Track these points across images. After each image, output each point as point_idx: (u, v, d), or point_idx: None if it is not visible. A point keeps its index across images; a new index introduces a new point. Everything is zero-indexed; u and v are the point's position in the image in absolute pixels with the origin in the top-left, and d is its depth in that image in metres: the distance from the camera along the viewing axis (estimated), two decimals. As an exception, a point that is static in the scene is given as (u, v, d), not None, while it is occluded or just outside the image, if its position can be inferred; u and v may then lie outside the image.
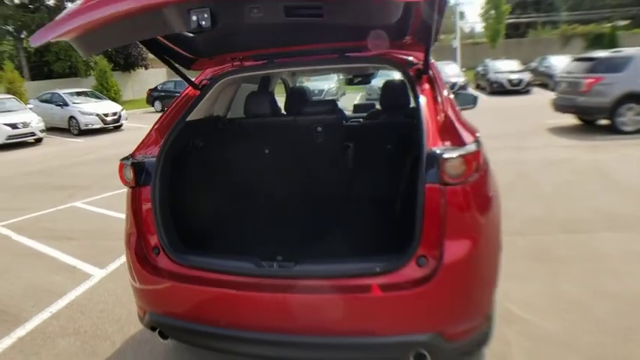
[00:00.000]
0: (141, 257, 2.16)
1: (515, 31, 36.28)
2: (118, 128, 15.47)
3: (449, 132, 1.90)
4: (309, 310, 1.88)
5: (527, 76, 18.50)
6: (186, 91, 2.61)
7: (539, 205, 4.83)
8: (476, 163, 1.84)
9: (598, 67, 9.13)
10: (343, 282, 1.87)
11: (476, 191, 1.85)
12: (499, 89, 18.37)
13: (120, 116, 15.22)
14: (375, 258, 1.90)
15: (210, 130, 2.68)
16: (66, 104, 15.27)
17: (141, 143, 2.38)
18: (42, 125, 13.57)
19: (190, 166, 2.43)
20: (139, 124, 15.10)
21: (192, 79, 2.67)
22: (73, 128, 14.92)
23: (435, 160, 1.79)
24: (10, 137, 12.71)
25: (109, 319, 3.08)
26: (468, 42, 34.27)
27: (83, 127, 14.64)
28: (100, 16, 1.55)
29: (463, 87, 18.21)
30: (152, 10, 1.58)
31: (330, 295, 1.84)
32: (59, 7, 24.28)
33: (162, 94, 20.51)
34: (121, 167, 2.23)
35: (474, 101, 3.76)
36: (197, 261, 2.07)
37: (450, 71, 19.85)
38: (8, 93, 17.33)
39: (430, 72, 2.22)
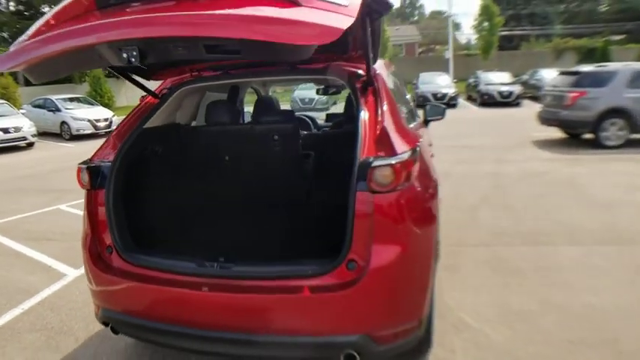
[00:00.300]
0: (95, 256, 2.29)
1: (509, 44, 36.69)
2: (109, 134, 15.41)
3: (384, 142, 2.00)
4: (247, 309, 1.99)
5: (517, 89, 18.73)
6: (146, 99, 2.76)
7: (508, 217, 4.96)
8: (406, 172, 1.94)
9: (582, 81, 9.25)
10: (277, 283, 1.98)
11: (406, 199, 1.94)
12: (489, 101, 18.64)
13: (111, 122, 15.28)
14: (312, 261, 2.01)
15: (169, 136, 2.81)
16: (58, 110, 15.47)
17: (99, 148, 2.52)
18: (34, 130, 13.72)
19: (147, 171, 2.56)
20: None
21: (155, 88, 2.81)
22: (64, 133, 15.10)
23: (365, 168, 1.90)
24: (1, 141, 12.86)
25: (76, 317, 3.20)
26: (461, 53, 34.60)
27: (75, 133, 14.80)
28: (42, 53, 1.75)
29: (453, 98, 18.51)
30: (86, 49, 1.77)
31: (266, 295, 1.97)
32: None
33: None
34: (79, 171, 2.38)
35: (442, 113, 4.02)
36: (146, 260, 2.18)
37: (442, 82, 20.15)
38: (2, 98, 17.33)
39: (375, 84, 2.32)
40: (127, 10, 1.81)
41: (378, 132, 2.03)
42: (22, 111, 15.69)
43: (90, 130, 14.87)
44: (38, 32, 1.82)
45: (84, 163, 2.41)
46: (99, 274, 2.25)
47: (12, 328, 3.14)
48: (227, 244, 2.33)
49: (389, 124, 2.09)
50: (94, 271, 2.26)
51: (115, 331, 2.29)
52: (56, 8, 1.93)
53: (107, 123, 15.27)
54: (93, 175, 2.32)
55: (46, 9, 27.25)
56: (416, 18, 67.07)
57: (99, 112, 15.73)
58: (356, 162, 1.94)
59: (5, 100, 16.53)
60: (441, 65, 25.14)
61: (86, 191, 2.39)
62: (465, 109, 18.57)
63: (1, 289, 3.77)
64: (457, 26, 30.85)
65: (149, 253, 2.26)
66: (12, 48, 1.82)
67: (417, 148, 2.08)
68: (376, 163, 1.90)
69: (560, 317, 2.94)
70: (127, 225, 2.30)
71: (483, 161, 7.84)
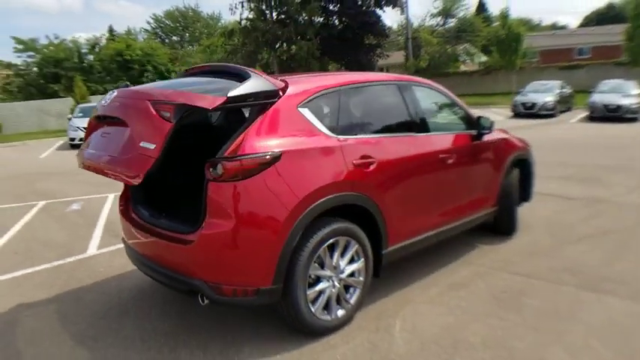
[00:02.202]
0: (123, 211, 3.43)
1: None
2: None
3: (235, 148, 2.58)
4: (155, 246, 2.95)
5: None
6: None
7: None
8: (241, 169, 2.54)
9: None
10: (166, 232, 2.87)
11: (239, 190, 2.56)
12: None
13: None
14: (186, 224, 2.78)
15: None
16: None
17: None
18: None
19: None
20: None
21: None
22: None
23: (211, 161, 2.57)
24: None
25: None
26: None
27: None
28: None
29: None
30: None
31: (162, 239, 2.86)
32: (311, 22, 26.26)
33: None
34: None
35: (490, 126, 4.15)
36: (138, 212, 3.28)
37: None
38: None
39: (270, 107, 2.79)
40: None
41: (239, 140, 2.59)
42: None
43: None
44: None
45: None
46: (124, 220, 3.38)
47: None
48: (167, 207, 3.32)
49: (251, 136, 2.62)
50: (122, 219, 3.41)
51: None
52: None
53: None
54: None
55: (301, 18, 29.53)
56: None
57: None
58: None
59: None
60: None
61: None
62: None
63: None
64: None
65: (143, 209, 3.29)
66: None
67: (268, 158, 2.59)
68: (215, 160, 2.56)
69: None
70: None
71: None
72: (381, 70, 38.64)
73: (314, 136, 2.87)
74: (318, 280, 2.89)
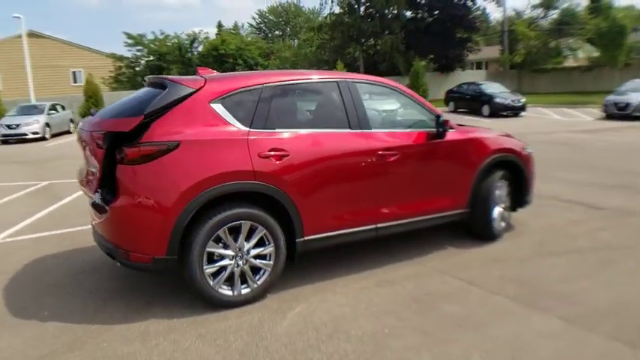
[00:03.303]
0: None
1: None
2: None
3: (145, 135, 2.96)
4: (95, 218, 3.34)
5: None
6: None
7: None
8: (139, 155, 2.91)
9: None
10: (99, 205, 3.14)
11: (139, 171, 2.95)
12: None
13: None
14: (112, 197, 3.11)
15: None
16: None
17: None
18: None
19: None
20: None
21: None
22: None
23: (120, 147, 2.97)
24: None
25: None
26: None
27: None
28: None
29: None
30: None
31: (95, 210, 3.20)
32: (397, 16, 27.76)
33: (457, 95, 21.43)
34: None
35: None
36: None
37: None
38: None
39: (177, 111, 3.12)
40: None
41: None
42: None
43: None
44: None
45: None
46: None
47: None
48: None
49: (157, 126, 2.98)
50: None
51: None
52: None
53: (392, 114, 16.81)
54: None
55: (388, 11, 30.87)
56: None
57: (389, 104, 17.09)
58: None
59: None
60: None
61: None
62: None
63: None
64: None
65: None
66: None
67: (165, 146, 2.93)
68: (122, 145, 2.95)
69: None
70: None
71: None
72: (479, 64, 36.75)
73: (221, 128, 3.12)
74: (222, 257, 3.13)
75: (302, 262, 3.79)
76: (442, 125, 3.91)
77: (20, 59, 22.84)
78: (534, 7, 30.54)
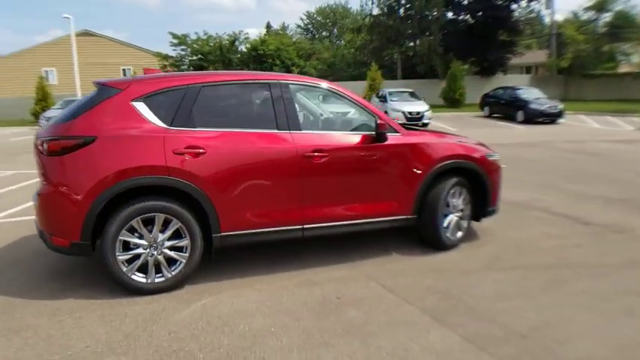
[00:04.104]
0: None
1: None
2: (415, 125, 16.66)
3: (66, 129, 3.24)
4: None
5: None
6: None
7: None
8: (59, 147, 3.16)
9: None
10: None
11: (57, 162, 3.19)
12: None
13: (423, 116, 16.88)
14: None
15: None
16: (385, 100, 18.16)
17: None
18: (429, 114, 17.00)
19: None
20: (443, 125, 16.91)
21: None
22: None
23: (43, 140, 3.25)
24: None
25: None
26: None
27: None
28: None
29: None
30: None
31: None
32: (436, 18, 27.92)
33: (492, 100, 20.72)
34: None
35: None
36: None
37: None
38: (370, 89, 22.46)
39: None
40: None
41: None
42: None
43: (401, 121, 16.42)
44: None
45: None
46: None
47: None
48: None
49: (78, 121, 3.24)
50: None
51: None
52: None
53: (418, 116, 16.86)
54: None
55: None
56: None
57: (416, 106, 17.41)
58: None
59: (372, 90, 21.64)
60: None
61: None
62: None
63: None
64: None
65: None
66: None
67: (82, 140, 3.13)
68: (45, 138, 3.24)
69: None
70: None
71: None
72: (528, 69, 35.27)
73: (139, 125, 3.27)
74: (137, 246, 3.28)
75: (240, 256, 3.91)
76: (379, 129, 3.85)
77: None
78: (586, 9, 28.87)
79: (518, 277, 3.74)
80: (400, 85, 25.00)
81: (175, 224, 3.32)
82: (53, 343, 2.72)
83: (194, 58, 30.69)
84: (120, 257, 3.23)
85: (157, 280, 3.35)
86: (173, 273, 3.38)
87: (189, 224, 3.35)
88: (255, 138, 3.57)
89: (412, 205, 4.12)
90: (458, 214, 4.38)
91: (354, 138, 3.91)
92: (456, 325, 2.95)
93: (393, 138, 3.99)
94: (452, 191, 4.26)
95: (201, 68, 29.64)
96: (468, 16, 28.48)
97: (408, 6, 29.96)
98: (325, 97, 4.52)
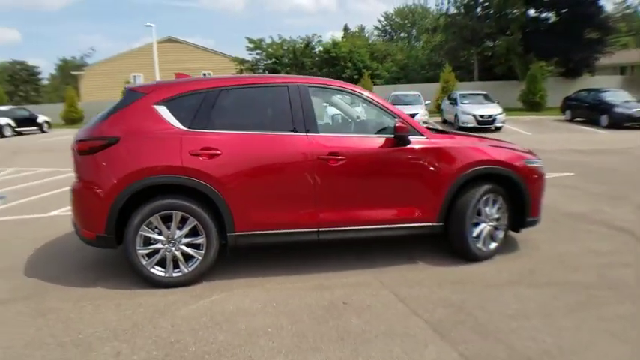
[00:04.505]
0: None
1: None
2: (487, 129, 16.05)
3: (94, 131, 3.58)
4: None
5: None
6: None
7: None
8: (88, 147, 3.48)
9: None
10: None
11: (87, 160, 3.52)
12: None
13: (495, 119, 16.21)
14: None
15: None
16: (456, 103, 17.77)
17: None
18: (503, 117, 16.35)
19: None
20: (518, 129, 16.44)
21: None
22: (454, 124, 17.10)
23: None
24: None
25: None
26: None
27: (460, 125, 16.46)
28: None
29: None
30: None
31: None
32: (516, 16, 27.12)
33: (574, 103, 18.95)
34: None
35: None
36: None
37: None
38: (443, 91, 22.45)
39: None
40: None
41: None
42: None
43: (472, 124, 16.11)
44: None
45: None
46: None
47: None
48: None
49: (105, 124, 3.56)
50: None
51: None
52: None
53: (490, 119, 16.19)
54: None
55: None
56: None
57: (488, 109, 16.61)
58: None
59: (445, 92, 21.73)
60: None
61: None
62: None
63: None
64: None
65: None
66: None
67: (106, 140, 3.42)
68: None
69: None
70: None
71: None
72: (622, 69, 32.01)
73: (159, 127, 3.49)
74: (157, 241, 3.51)
75: (260, 257, 4.02)
76: (398, 131, 3.74)
77: (159, 62, 26.53)
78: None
79: (548, 294, 3.42)
80: (476, 87, 23.94)
81: (192, 222, 3.49)
82: (69, 326, 2.99)
83: (269, 61, 31.84)
84: (140, 251, 3.47)
85: (174, 275, 3.54)
86: (190, 269, 3.56)
87: (205, 223, 3.50)
88: (271, 140, 3.64)
89: (438, 213, 3.94)
90: (492, 224, 4.11)
91: (374, 141, 3.84)
92: (458, 341, 2.78)
93: (416, 141, 3.86)
94: (484, 199, 4.01)
95: (275, 71, 30.69)
96: (552, 13, 26.36)
97: (486, 4, 28.48)
98: (350, 100, 4.46)
